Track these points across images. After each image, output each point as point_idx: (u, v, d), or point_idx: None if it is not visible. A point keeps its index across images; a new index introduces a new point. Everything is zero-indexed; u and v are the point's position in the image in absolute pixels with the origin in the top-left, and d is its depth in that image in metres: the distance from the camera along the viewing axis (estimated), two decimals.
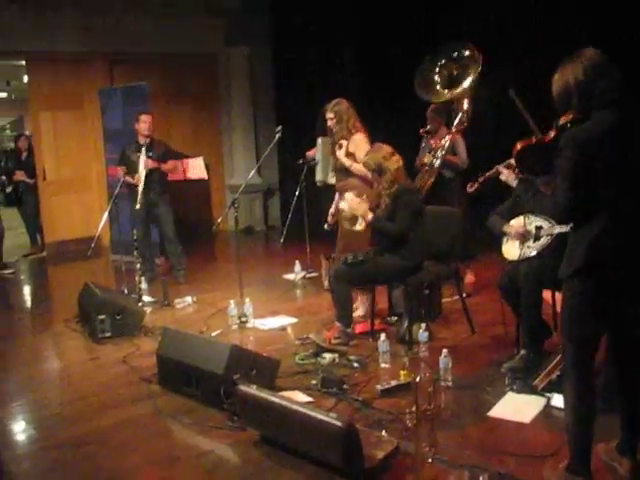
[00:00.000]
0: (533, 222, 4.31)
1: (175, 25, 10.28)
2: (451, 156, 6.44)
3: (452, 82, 6.43)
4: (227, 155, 11.46)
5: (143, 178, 6.91)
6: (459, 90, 6.23)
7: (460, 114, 6.34)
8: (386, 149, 5.00)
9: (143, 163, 6.96)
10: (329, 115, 5.75)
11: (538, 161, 3.27)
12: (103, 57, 10.00)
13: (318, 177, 7.03)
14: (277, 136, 6.07)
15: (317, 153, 6.91)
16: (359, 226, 5.22)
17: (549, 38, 7.43)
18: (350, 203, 5.09)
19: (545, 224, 4.27)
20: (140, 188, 6.87)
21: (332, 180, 6.73)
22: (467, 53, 6.29)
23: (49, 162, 9.85)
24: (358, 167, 5.52)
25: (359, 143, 5.59)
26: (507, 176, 4.41)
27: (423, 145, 6.85)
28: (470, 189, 4.98)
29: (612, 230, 2.72)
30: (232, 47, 10.98)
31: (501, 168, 4.49)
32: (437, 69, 6.44)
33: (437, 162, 6.35)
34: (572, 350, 2.86)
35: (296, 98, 10.12)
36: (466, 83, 6.19)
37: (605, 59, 2.84)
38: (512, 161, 4.26)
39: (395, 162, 4.94)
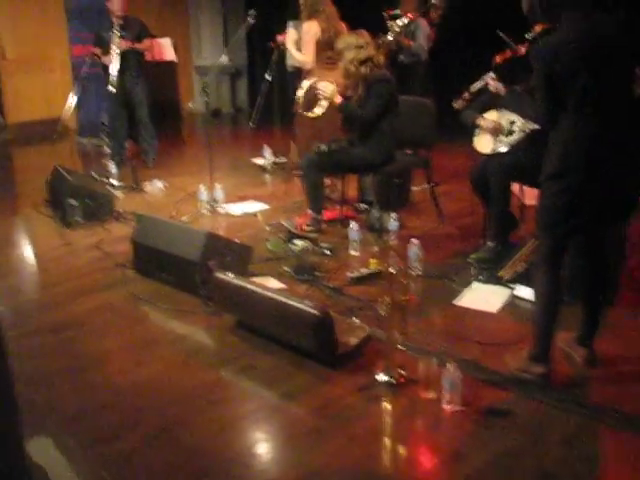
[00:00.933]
0: (507, 116, 4.34)
1: None
2: (406, 39, 6.36)
3: None
4: (194, 35, 11.13)
5: (116, 59, 6.69)
6: None
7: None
8: (355, 39, 4.91)
9: (116, 44, 6.72)
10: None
11: (517, 72, 3.33)
12: None
13: (289, 62, 6.92)
14: (249, 20, 5.89)
15: (288, 37, 6.77)
16: (318, 110, 5.18)
17: None
18: (318, 84, 5.07)
19: (518, 119, 4.30)
20: (113, 70, 6.67)
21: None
22: None
23: (8, 40, 9.46)
24: (299, 56, 5.81)
25: (304, 28, 5.77)
26: (495, 86, 4.36)
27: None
28: (456, 105, 4.84)
29: (580, 136, 2.81)
30: None
31: (488, 79, 4.41)
32: None
33: (389, 37, 6.23)
34: (545, 244, 2.99)
35: None
36: None
37: None
38: (492, 73, 4.30)
39: (354, 53, 4.84)
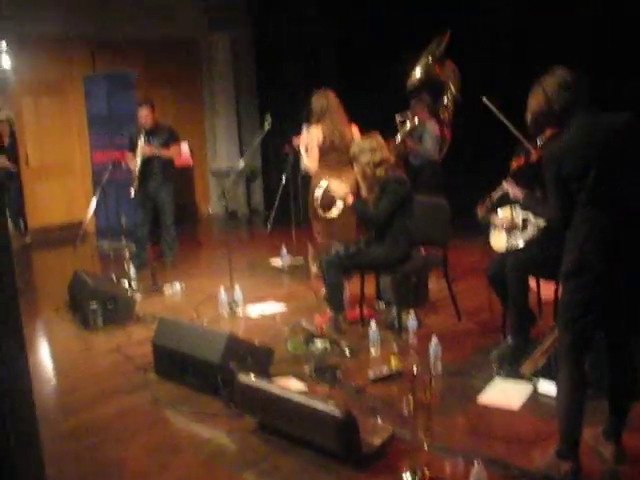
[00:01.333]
0: (520, 214, 4.43)
1: (157, 9, 10.25)
2: (413, 142, 6.57)
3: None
4: (210, 140, 11.50)
5: (139, 165, 6.95)
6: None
7: (445, 98, 6.49)
8: (370, 142, 5.05)
9: (140, 150, 6.99)
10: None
11: (532, 178, 3.43)
12: (85, 41, 9.95)
13: (303, 164, 7.11)
14: (266, 125, 6.12)
15: (301, 140, 6.99)
16: (335, 211, 5.29)
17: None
18: (331, 185, 5.20)
19: (531, 216, 4.39)
20: (135, 175, 6.93)
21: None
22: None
23: (31, 148, 9.81)
24: (304, 160, 6.06)
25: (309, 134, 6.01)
26: (514, 192, 4.06)
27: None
28: (480, 212, 4.64)
29: (595, 233, 2.89)
30: (215, 32, 10.98)
31: (506, 185, 4.18)
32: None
33: (398, 138, 6.44)
34: (567, 341, 3.01)
35: (278, 83, 10.16)
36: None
37: (574, 75, 3.01)
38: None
39: (369, 157, 4.98)
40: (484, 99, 4.47)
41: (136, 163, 6.99)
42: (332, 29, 10.12)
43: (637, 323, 3.08)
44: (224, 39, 11.04)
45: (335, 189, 5.19)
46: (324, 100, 5.93)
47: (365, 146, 5.03)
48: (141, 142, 7.00)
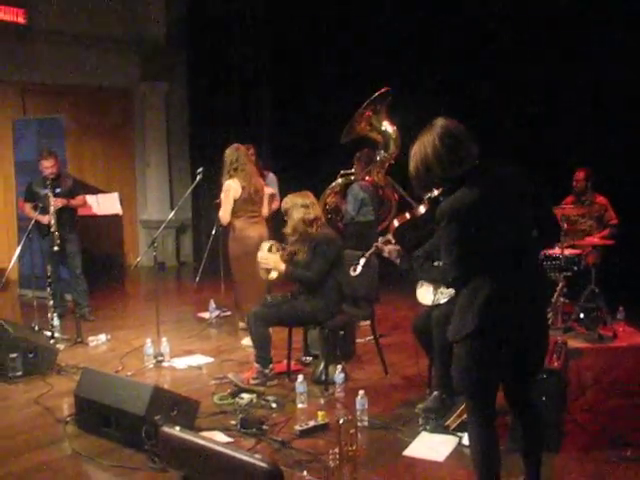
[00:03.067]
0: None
1: (91, 58, 10.28)
2: (340, 199, 6.74)
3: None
4: (140, 190, 11.42)
5: (54, 218, 6.87)
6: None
7: (378, 158, 6.65)
8: (302, 199, 5.12)
9: (52, 203, 6.90)
10: None
11: (413, 235, 3.36)
12: (15, 85, 9.84)
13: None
14: (198, 177, 6.14)
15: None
16: (273, 274, 5.27)
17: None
18: (260, 257, 5.19)
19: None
20: (53, 229, 6.85)
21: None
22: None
23: None
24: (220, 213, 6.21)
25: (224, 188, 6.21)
26: (389, 252, 3.85)
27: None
28: (353, 273, 4.51)
29: (498, 293, 2.82)
30: (148, 82, 11.01)
31: (380, 245, 4.07)
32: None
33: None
34: (473, 405, 2.99)
35: (210, 136, 10.24)
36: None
37: (459, 126, 2.93)
38: (389, 236, 4.07)
39: (302, 213, 5.05)
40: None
41: (51, 218, 6.89)
42: (268, 86, 10.33)
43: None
44: (157, 90, 11.09)
45: (264, 261, 5.17)
46: (235, 153, 6.18)
47: (298, 202, 5.09)
48: (50, 195, 6.92)
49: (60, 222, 6.98)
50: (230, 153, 6.19)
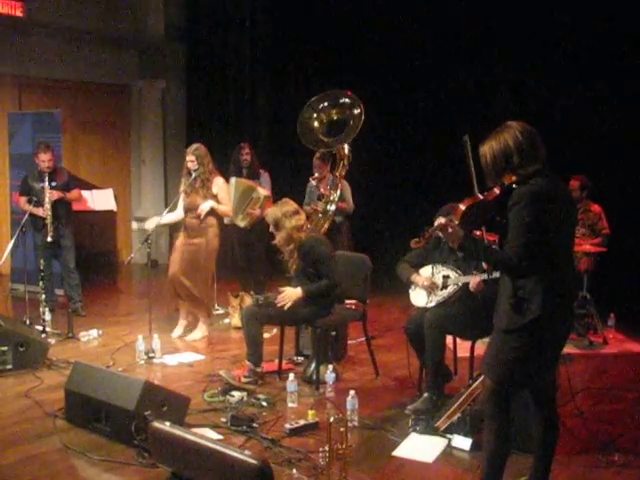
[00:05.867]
0: (441, 272, 4.55)
1: (89, 53, 10.24)
2: (340, 202, 6.73)
3: (332, 129, 6.69)
4: (135, 187, 11.38)
5: (50, 210, 6.87)
6: (338, 140, 6.52)
7: (342, 160, 6.61)
8: (289, 206, 5.11)
9: (48, 195, 6.90)
10: (190, 158, 6.20)
11: (480, 218, 3.32)
12: (12, 80, 9.80)
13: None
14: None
15: (230, 193, 7.06)
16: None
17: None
18: (280, 300, 5.03)
19: (452, 274, 4.52)
20: (49, 220, 6.86)
21: (241, 223, 6.94)
22: (346, 100, 6.57)
23: None
24: (223, 209, 6.33)
25: (222, 185, 6.36)
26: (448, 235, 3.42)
27: (308, 190, 7.08)
28: (415, 245, 3.89)
29: (562, 281, 2.98)
30: (146, 79, 10.99)
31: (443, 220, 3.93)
32: (315, 115, 6.68)
33: (332, 207, 6.59)
34: (501, 394, 3.04)
35: (207, 135, 10.22)
36: (346, 136, 6.49)
37: (532, 128, 3.09)
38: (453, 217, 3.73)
39: (294, 220, 5.05)
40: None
41: (46, 209, 6.90)
42: (265, 84, 10.32)
43: None
44: (155, 87, 11.06)
45: (284, 298, 5.01)
46: (203, 151, 6.28)
47: (288, 210, 5.08)
48: (46, 187, 6.92)
49: (55, 216, 6.98)
50: (205, 152, 6.26)
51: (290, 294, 5.01)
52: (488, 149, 3.09)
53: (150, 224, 6.38)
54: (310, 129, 6.66)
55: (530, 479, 3.25)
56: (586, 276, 6.30)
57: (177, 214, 6.45)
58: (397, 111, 8.62)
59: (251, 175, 7.30)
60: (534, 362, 2.99)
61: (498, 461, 3.05)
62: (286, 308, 4.98)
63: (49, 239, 6.82)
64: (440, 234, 3.36)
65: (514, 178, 3.06)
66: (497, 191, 3.19)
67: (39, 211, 6.94)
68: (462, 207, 3.30)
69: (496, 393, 3.06)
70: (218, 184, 6.29)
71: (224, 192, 6.36)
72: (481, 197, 3.34)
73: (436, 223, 3.38)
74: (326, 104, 6.67)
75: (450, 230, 3.09)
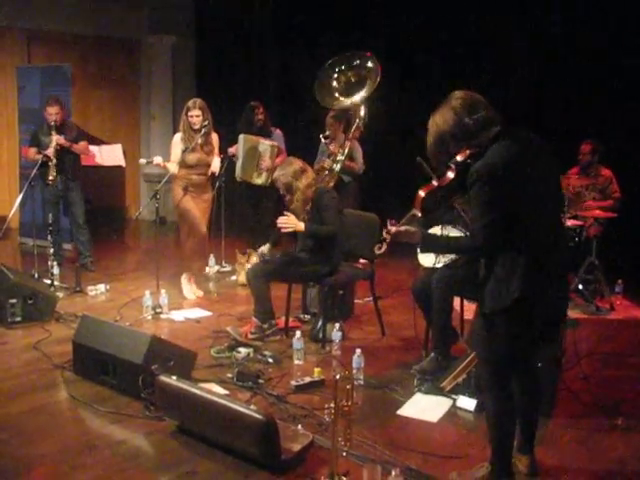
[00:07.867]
0: (450, 233, 4.52)
1: (99, 8, 10.11)
2: (349, 162, 6.69)
3: (350, 89, 6.55)
4: (144, 143, 11.33)
5: (54, 153, 6.81)
6: (357, 98, 6.41)
7: (357, 120, 6.54)
8: (295, 166, 5.07)
9: (55, 139, 6.84)
10: (196, 112, 6.14)
11: (438, 203, 3.24)
12: (21, 33, 9.70)
13: (238, 173, 7.13)
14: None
15: (238, 150, 7.04)
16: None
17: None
18: (280, 220, 5.08)
19: (461, 235, 4.49)
20: (52, 163, 6.79)
21: (258, 180, 6.91)
22: (368, 63, 6.46)
23: None
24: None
25: (217, 141, 6.34)
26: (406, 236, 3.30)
27: (320, 150, 7.05)
28: (378, 251, 3.62)
29: (543, 260, 2.79)
30: (156, 35, 10.87)
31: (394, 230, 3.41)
32: (335, 75, 6.58)
33: (337, 167, 6.56)
34: (495, 369, 3.01)
35: (217, 91, 10.12)
36: (364, 92, 6.38)
37: (474, 94, 2.93)
38: (415, 211, 3.66)
39: (304, 179, 5.04)
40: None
41: (51, 151, 6.81)
42: (276, 40, 10.18)
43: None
44: (165, 43, 10.94)
45: (286, 223, 5.05)
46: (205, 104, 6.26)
47: (296, 170, 5.04)
48: (53, 133, 6.86)
49: (62, 169, 6.95)
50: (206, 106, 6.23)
51: (293, 221, 5.03)
52: (434, 126, 2.94)
53: (158, 159, 6.54)
54: (327, 88, 6.59)
55: (518, 442, 3.24)
56: (595, 241, 6.26)
57: (171, 167, 6.41)
58: (411, 70, 8.47)
59: (262, 134, 7.23)
60: (518, 344, 2.89)
61: (506, 433, 3.04)
62: (283, 231, 5.08)
63: (50, 178, 6.76)
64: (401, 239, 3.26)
65: (469, 151, 2.90)
66: (451, 175, 3.10)
67: (48, 152, 6.83)
68: (421, 194, 3.25)
69: (489, 369, 3.04)
70: (215, 139, 6.31)
71: (217, 147, 6.34)
72: (436, 183, 3.27)
73: (393, 229, 3.26)
74: (344, 66, 6.58)
75: (406, 234, 3.09)
